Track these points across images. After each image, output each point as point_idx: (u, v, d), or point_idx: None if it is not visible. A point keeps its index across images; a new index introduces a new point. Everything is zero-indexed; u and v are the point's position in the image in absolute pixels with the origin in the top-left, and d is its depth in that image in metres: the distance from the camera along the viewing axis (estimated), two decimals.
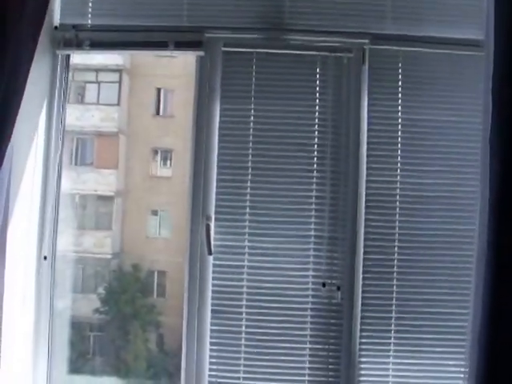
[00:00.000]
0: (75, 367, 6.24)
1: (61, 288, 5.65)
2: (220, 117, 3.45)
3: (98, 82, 7.05)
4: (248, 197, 3.44)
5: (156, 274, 6.97)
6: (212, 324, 3.40)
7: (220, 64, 3.48)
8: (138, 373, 6.53)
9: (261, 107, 3.49)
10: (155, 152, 7.09)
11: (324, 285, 3.38)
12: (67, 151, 6.61)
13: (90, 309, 6.70)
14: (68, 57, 3.66)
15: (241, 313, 3.41)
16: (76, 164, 7.01)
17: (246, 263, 3.42)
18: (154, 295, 6.98)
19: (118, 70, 7.00)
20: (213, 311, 3.41)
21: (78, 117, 6.82)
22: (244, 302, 3.41)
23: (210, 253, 3.37)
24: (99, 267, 7.06)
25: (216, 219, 3.42)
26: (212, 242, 3.36)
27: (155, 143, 7.05)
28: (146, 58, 6.83)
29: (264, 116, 3.49)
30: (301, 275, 3.42)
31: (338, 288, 3.37)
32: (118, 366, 6.61)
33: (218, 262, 3.42)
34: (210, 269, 3.41)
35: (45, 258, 3.50)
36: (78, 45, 3.57)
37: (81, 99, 7.06)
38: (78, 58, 6.60)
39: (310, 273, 3.41)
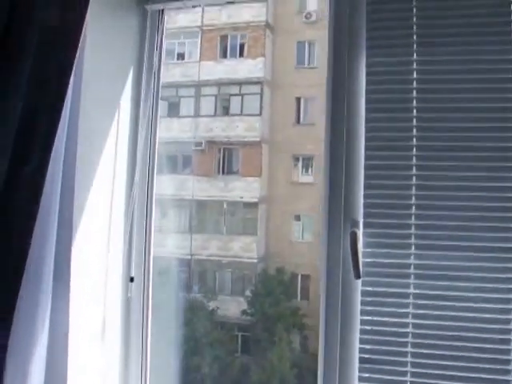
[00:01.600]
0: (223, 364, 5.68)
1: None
2: (367, 76, 1.84)
3: (241, 95, 6.08)
4: (413, 191, 1.76)
5: (300, 277, 5.85)
6: (361, 379, 1.78)
7: None
8: (283, 372, 5.54)
9: (428, 59, 1.80)
10: (297, 159, 5.95)
11: None
12: (215, 161, 6.03)
13: (238, 310, 5.87)
14: (161, 13, 2.18)
15: (404, 364, 1.74)
16: (223, 173, 6.11)
17: (411, 290, 1.74)
18: (298, 298, 5.88)
19: (260, 83, 5.99)
20: (362, 360, 1.78)
21: (223, 128, 6.05)
22: (409, 349, 1.74)
23: (357, 275, 1.78)
24: (247, 271, 6.11)
25: (366, 225, 1.80)
26: (360, 260, 1.79)
27: (296, 150, 5.93)
28: (285, 69, 5.99)
29: (433, 72, 1.80)
30: (499, 310, 1.68)
31: None
32: (263, 365, 5.63)
33: (369, 289, 1.78)
34: (358, 298, 1.80)
35: (131, 279, 2.07)
36: None
37: (226, 112, 6.17)
38: (222, 71, 6.08)
39: None
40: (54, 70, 1.56)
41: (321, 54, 5.86)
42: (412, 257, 1.76)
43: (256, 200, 5.96)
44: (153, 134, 2.13)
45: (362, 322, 1.79)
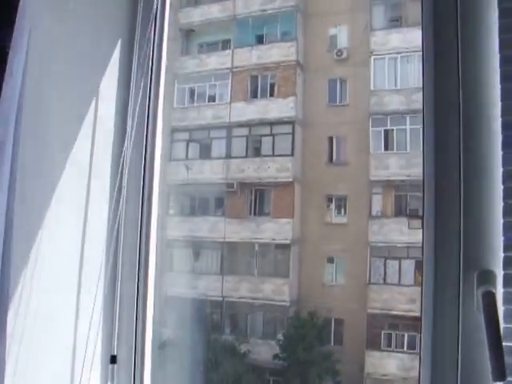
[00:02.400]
0: None
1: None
2: (501, 18, 0.94)
3: (273, 135, 5.47)
4: None
5: (333, 321, 5.16)
6: None
7: None
8: None
9: None
10: (329, 199, 5.30)
11: None
12: (247, 202, 5.44)
13: (269, 354, 5.16)
14: None
15: None
16: (255, 214, 5.50)
17: None
18: (331, 343, 5.15)
19: (291, 122, 5.35)
20: None
21: (255, 169, 5.46)
22: None
23: (500, 375, 0.83)
24: (278, 313, 5.44)
25: (508, 280, 0.88)
26: (504, 344, 0.84)
27: (329, 191, 5.28)
28: (317, 107, 5.35)
29: None
30: None
31: None
32: None
33: None
34: None
35: (112, 359, 1.13)
36: None
37: (257, 152, 5.58)
38: (253, 112, 5.45)
39: None
40: None
41: (353, 91, 5.27)
42: None
43: (288, 242, 5.32)
44: (150, 139, 1.23)
45: None
